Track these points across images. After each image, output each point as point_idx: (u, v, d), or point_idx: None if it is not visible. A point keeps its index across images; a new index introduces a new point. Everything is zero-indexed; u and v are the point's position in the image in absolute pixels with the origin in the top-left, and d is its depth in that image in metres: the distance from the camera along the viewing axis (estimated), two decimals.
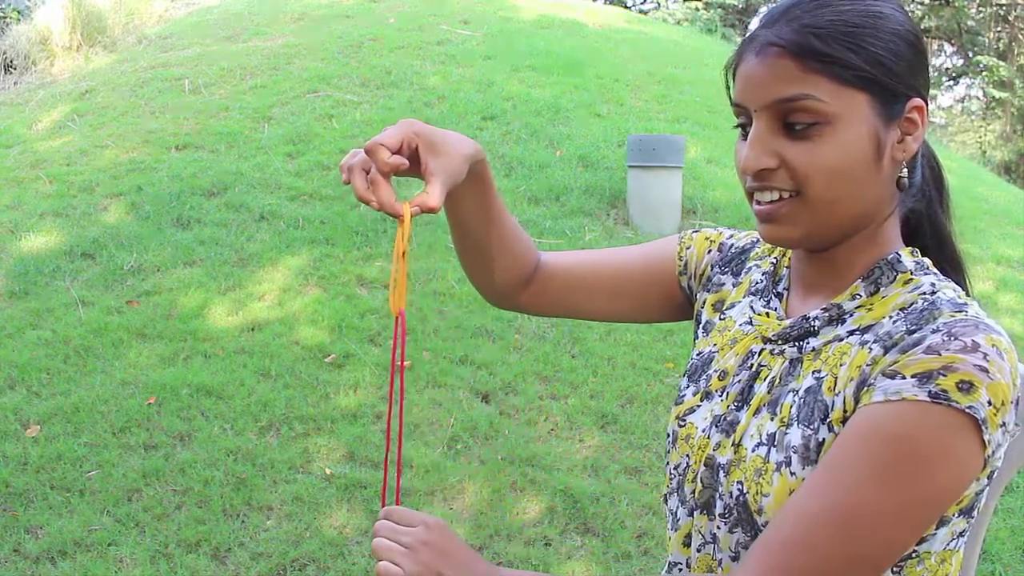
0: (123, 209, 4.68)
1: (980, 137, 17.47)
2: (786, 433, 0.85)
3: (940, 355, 0.76)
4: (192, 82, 6.28)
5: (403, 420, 0.92)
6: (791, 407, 0.86)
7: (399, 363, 0.85)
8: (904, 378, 0.77)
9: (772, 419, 0.87)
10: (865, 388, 0.80)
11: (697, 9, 14.64)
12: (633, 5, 16.15)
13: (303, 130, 5.55)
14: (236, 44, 7.15)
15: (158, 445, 3.00)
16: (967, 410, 0.74)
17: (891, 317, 0.84)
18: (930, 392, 0.75)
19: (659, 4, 15.97)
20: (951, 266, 0.94)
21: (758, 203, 0.87)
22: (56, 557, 2.51)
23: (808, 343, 0.89)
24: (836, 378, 0.84)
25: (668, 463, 0.99)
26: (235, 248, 4.33)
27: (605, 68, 6.90)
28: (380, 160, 0.82)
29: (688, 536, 0.95)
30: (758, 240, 1.07)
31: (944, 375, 0.75)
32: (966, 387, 0.75)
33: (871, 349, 0.83)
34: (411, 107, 5.91)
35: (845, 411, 0.82)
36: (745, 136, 0.87)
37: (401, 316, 0.85)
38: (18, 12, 7.65)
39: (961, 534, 0.85)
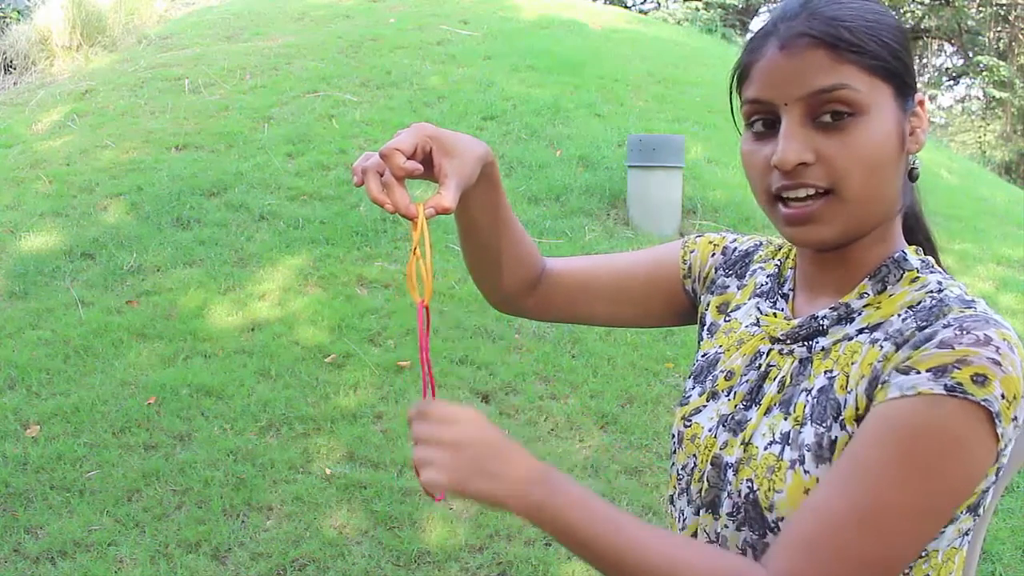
0: (123, 209, 4.68)
1: (980, 137, 17.46)
2: (800, 432, 0.85)
3: (954, 349, 0.76)
4: (192, 82, 6.28)
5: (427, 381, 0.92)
6: (804, 407, 0.86)
7: (424, 351, 0.85)
8: (919, 373, 0.77)
9: (786, 418, 0.87)
10: (879, 386, 0.80)
11: (697, 9, 14.63)
12: (633, 5, 16.15)
13: (303, 130, 5.55)
14: (236, 44, 7.15)
15: (158, 445, 3.00)
16: (982, 403, 0.75)
17: (900, 315, 0.84)
18: (946, 385, 0.75)
19: (659, 4, 15.96)
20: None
21: (787, 206, 0.85)
22: (56, 557, 2.51)
23: (817, 342, 0.89)
24: (848, 376, 0.85)
25: (674, 464, 0.99)
26: (235, 248, 4.33)
27: (605, 68, 6.90)
28: (395, 165, 0.83)
29: (695, 536, 0.95)
30: (762, 243, 1.07)
31: (959, 368, 0.75)
32: (981, 380, 0.75)
33: (882, 346, 0.83)
34: (411, 107, 5.91)
35: (857, 409, 0.82)
36: (758, 136, 0.86)
37: (425, 308, 0.86)
38: (18, 12, 7.65)
39: (966, 533, 0.85)
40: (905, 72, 0.84)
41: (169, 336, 3.63)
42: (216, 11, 8.27)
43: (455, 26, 7.47)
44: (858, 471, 0.77)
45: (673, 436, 0.99)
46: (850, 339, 0.87)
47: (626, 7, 14.46)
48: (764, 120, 0.86)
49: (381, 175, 0.85)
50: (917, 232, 0.96)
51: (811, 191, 0.83)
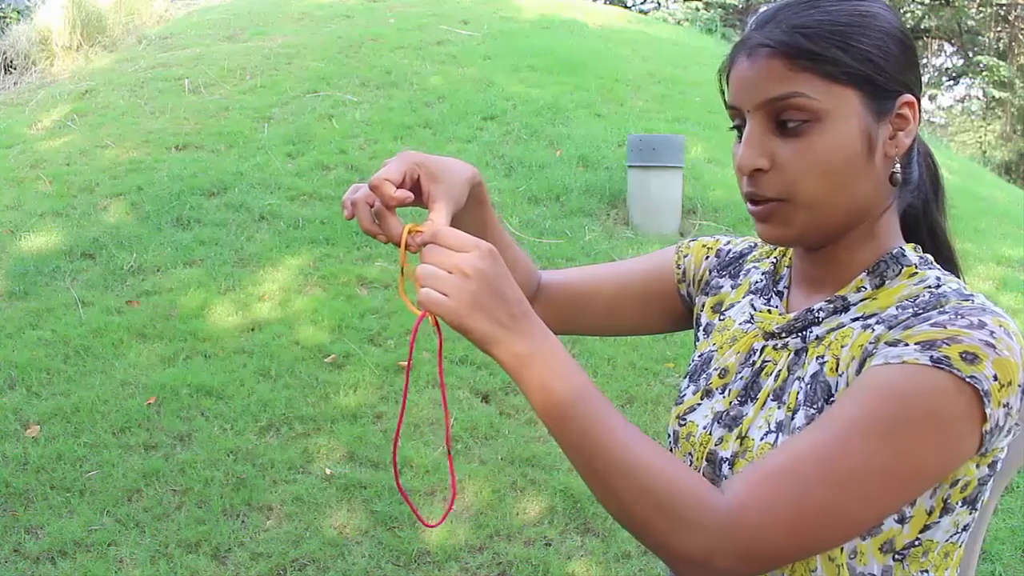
0: (123, 209, 4.68)
1: (980, 137, 17.48)
2: (793, 419, 0.86)
3: (946, 328, 0.77)
4: (192, 82, 6.28)
5: (403, 418, 0.88)
6: (797, 394, 0.87)
7: (439, 354, 0.84)
8: (906, 345, 0.77)
9: (779, 408, 0.88)
10: (867, 359, 0.81)
11: (697, 9, 14.64)
12: (633, 5, 16.15)
13: (303, 130, 5.55)
14: (236, 44, 7.15)
15: (158, 445, 3.00)
16: (968, 379, 0.74)
17: (896, 307, 0.85)
18: (932, 357, 0.75)
19: (659, 4, 15.97)
20: (945, 263, 0.96)
21: (753, 203, 0.88)
22: (56, 557, 2.51)
23: (812, 332, 0.90)
24: (838, 360, 0.85)
25: None
26: (235, 248, 4.33)
27: (605, 68, 6.90)
28: (386, 195, 0.83)
29: None
30: (756, 244, 1.09)
31: (948, 345, 0.75)
32: (970, 358, 0.75)
33: (874, 329, 0.84)
34: (411, 107, 5.91)
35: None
36: (741, 137, 0.89)
37: (421, 321, 0.83)
38: (18, 12, 7.65)
39: (965, 528, 0.85)
40: (880, 75, 0.83)
41: (169, 336, 3.63)
42: (216, 11, 8.27)
43: (455, 26, 7.47)
44: (832, 421, 0.77)
45: (669, 436, 1.00)
46: (843, 326, 0.88)
47: (626, 7, 14.46)
48: (740, 124, 0.89)
49: (371, 205, 0.85)
50: (919, 231, 0.96)
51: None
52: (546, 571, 2.49)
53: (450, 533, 2.63)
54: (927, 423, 0.75)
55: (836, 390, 0.84)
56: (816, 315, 0.90)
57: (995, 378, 0.75)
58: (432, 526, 0.83)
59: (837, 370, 0.85)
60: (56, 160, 5.30)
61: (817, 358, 0.87)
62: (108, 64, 6.96)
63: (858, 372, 0.82)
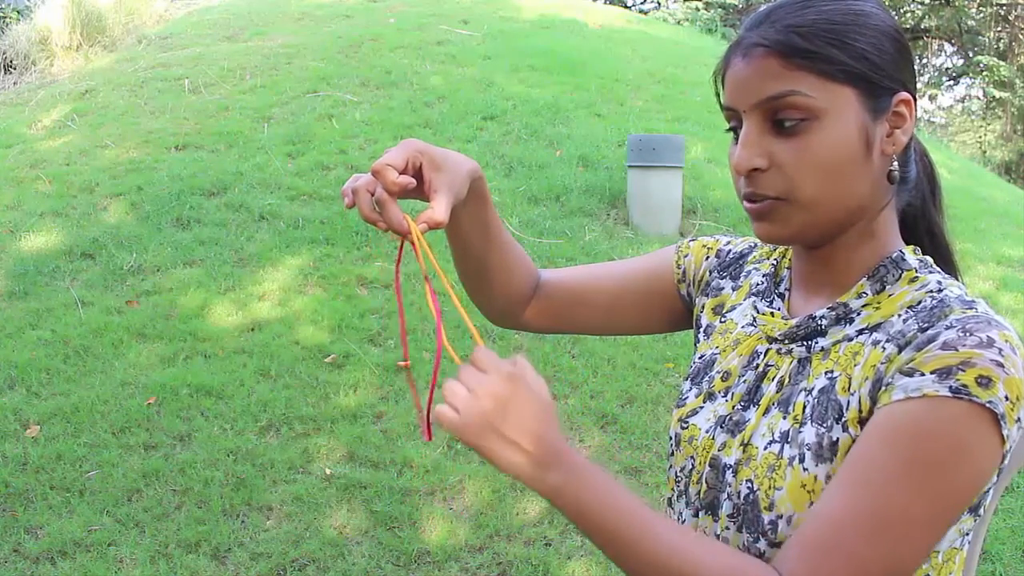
0: (123, 209, 4.68)
1: (980, 137, 17.48)
2: (800, 431, 0.85)
3: (957, 351, 0.77)
4: (192, 82, 6.28)
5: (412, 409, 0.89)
6: (804, 406, 0.86)
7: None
8: (923, 375, 0.77)
9: (785, 417, 0.87)
10: (883, 388, 0.81)
11: (697, 9, 14.62)
12: (633, 5, 16.14)
13: (303, 130, 5.55)
14: (236, 44, 7.15)
15: (158, 445, 3.00)
16: (987, 405, 0.75)
17: (900, 315, 0.84)
18: (951, 387, 0.76)
19: (659, 4, 15.96)
20: (944, 263, 0.95)
21: (751, 201, 0.87)
22: (56, 557, 2.51)
23: (816, 342, 0.89)
24: (850, 378, 0.85)
25: (672, 466, 0.99)
26: (235, 248, 4.33)
27: (605, 68, 6.90)
28: (388, 181, 0.83)
29: None
30: (756, 244, 1.08)
31: (963, 370, 0.76)
32: (985, 382, 0.75)
33: (884, 348, 0.83)
34: (411, 107, 5.91)
35: (861, 411, 0.82)
36: (737, 139, 0.88)
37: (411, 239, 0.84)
38: (18, 12, 7.65)
39: (967, 533, 0.85)
40: (876, 72, 0.83)
41: (169, 336, 3.63)
42: (216, 11, 8.26)
43: (455, 26, 7.47)
44: (868, 475, 0.78)
45: (671, 438, 0.99)
46: (850, 340, 0.87)
47: (626, 7, 14.46)
48: (736, 126, 0.88)
49: (372, 194, 0.85)
50: (918, 230, 0.96)
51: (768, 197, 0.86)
52: (546, 571, 2.49)
53: (450, 533, 2.63)
54: (956, 456, 0.76)
55: (847, 409, 0.83)
56: (819, 323, 0.89)
57: (1006, 398, 0.76)
58: (429, 439, 0.85)
59: (849, 389, 0.84)
60: (56, 160, 5.30)
61: (826, 372, 0.87)
62: (108, 64, 6.96)
63: (871, 393, 0.82)
